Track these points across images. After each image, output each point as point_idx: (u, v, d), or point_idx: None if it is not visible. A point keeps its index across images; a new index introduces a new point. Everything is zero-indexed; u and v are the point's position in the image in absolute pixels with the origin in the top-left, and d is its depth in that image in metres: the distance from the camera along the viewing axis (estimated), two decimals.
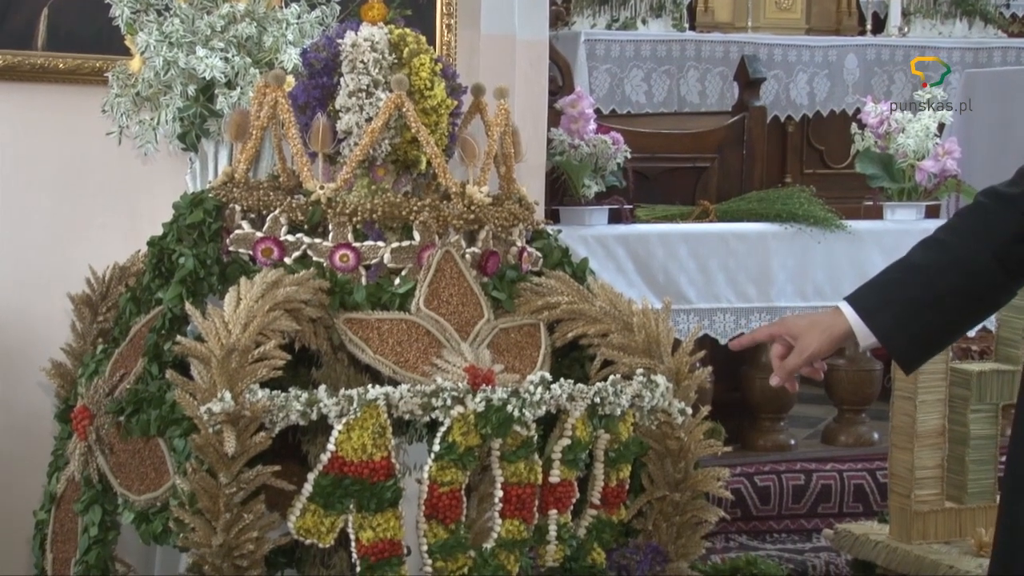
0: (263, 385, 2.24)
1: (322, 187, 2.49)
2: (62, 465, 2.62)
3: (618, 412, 2.49)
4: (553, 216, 4.25)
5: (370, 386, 2.28)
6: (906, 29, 6.77)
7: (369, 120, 2.53)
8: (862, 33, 6.83)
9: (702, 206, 4.71)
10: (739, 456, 4.42)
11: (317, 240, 2.47)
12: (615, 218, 4.41)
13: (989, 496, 3.48)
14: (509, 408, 2.33)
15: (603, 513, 2.52)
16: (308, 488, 2.26)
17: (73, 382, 2.65)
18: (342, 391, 2.26)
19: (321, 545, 2.29)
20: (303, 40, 3.05)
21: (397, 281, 2.47)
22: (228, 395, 2.17)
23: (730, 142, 5.04)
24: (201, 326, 2.26)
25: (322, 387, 2.27)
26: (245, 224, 2.51)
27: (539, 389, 2.37)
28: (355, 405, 2.25)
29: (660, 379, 2.53)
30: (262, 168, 2.85)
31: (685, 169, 4.97)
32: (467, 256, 2.54)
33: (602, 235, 4.29)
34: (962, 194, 4.46)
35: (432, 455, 2.32)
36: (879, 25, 6.86)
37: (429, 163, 2.59)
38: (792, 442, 4.68)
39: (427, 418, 2.32)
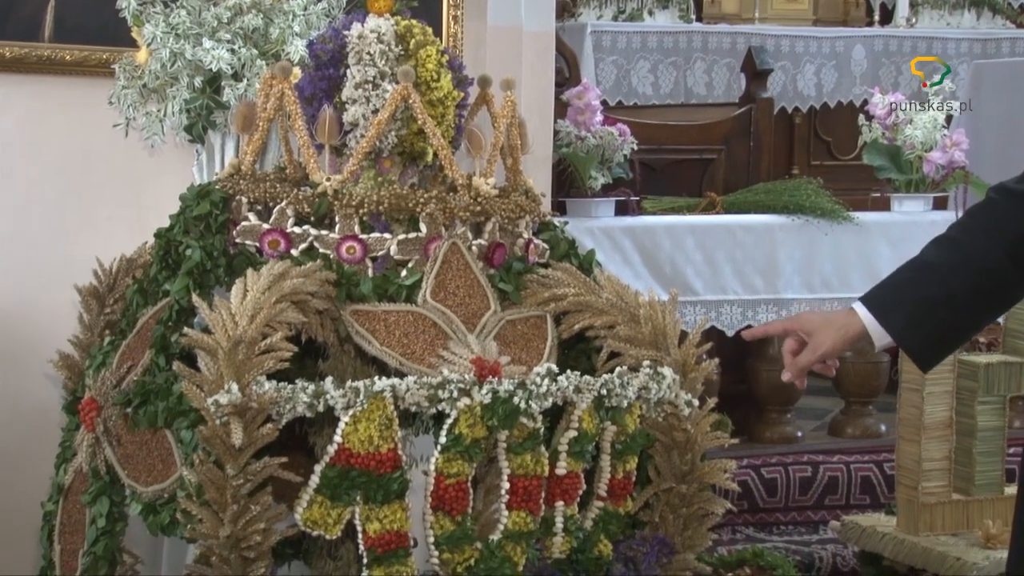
0: (270, 377, 2.24)
1: (328, 179, 2.49)
2: (70, 456, 2.62)
3: (625, 404, 2.49)
4: (559, 208, 4.25)
5: (377, 378, 2.28)
6: (914, 20, 6.75)
7: (375, 112, 2.53)
8: (870, 24, 6.81)
9: (709, 198, 4.70)
10: (746, 448, 4.41)
11: (324, 232, 2.47)
12: (622, 210, 4.41)
13: (996, 488, 3.48)
14: (515, 400, 2.33)
15: (610, 505, 2.52)
16: (315, 480, 2.26)
17: (80, 374, 2.65)
18: (349, 383, 2.27)
19: (328, 537, 2.29)
20: (309, 32, 3.04)
21: (404, 273, 2.47)
22: (235, 387, 2.17)
23: (737, 134, 5.03)
24: (208, 318, 2.26)
25: (329, 379, 2.27)
26: (252, 216, 2.51)
27: (545, 381, 2.37)
28: (362, 397, 2.25)
29: (667, 371, 2.53)
30: (268, 160, 2.85)
31: (692, 161, 4.97)
32: (473, 248, 2.54)
33: (609, 227, 4.29)
34: (970, 185, 4.45)
35: (438, 447, 2.33)
36: (887, 16, 6.85)
37: (435, 155, 2.59)
38: (799, 434, 4.68)
39: (434, 410, 2.32)
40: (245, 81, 3.00)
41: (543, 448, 2.41)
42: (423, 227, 2.49)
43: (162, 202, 2.86)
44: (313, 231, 2.47)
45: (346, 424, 2.25)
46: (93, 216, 3.42)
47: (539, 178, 3.26)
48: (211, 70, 2.98)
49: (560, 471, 2.44)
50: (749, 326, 4.36)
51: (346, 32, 2.59)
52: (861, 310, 2.17)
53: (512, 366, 2.40)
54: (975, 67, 6.01)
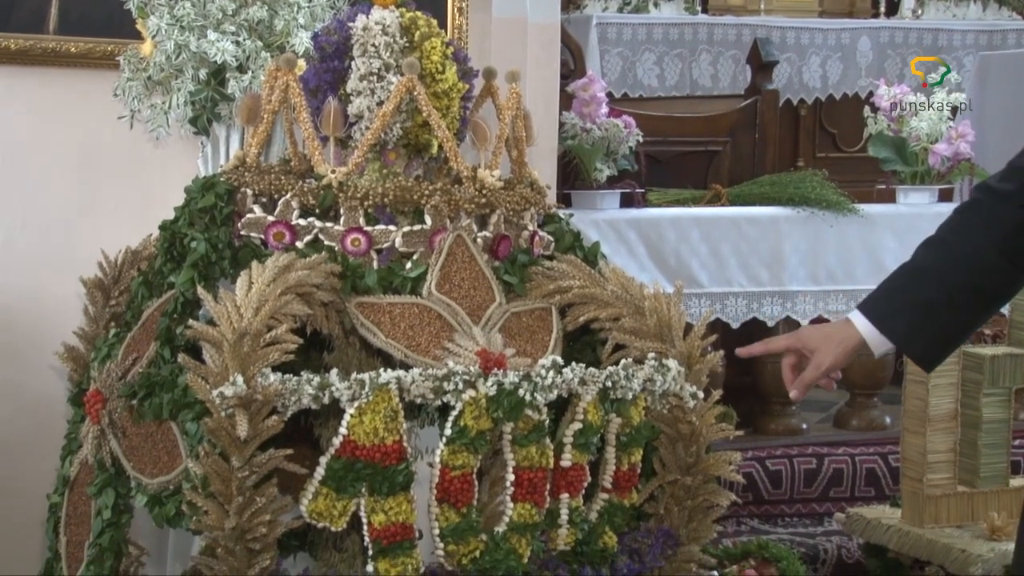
0: (275, 369, 2.24)
1: (333, 171, 2.49)
2: (75, 448, 2.63)
3: (630, 396, 2.49)
4: (565, 200, 4.25)
5: (382, 370, 2.28)
6: (920, 11, 6.73)
7: (380, 104, 2.53)
8: (875, 15, 6.79)
9: (714, 190, 4.70)
10: (751, 440, 4.42)
11: (329, 224, 2.47)
12: (627, 202, 4.41)
13: (1001, 480, 3.48)
14: (521, 392, 2.33)
15: (615, 497, 2.52)
16: (320, 472, 2.27)
17: (86, 366, 2.65)
18: (354, 375, 2.27)
19: (333, 528, 2.30)
20: (314, 23, 3.04)
21: (409, 265, 2.47)
22: (240, 379, 2.17)
23: (742, 126, 5.03)
24: (213, 310, 2.26)
25: (334, 371, 2.27)
26: (257, 208, 2.51)
27: (551, 373, 2.37)
28: (367, 389, 2.26)
29: (672, 363, 2.53)
30: (274, 152, 2.85)
31: (697, 153, 4.96)
32: (479, 240, 2.53)
33: (614, 219, 4.29)
34: (976, 177, 4.44)
35: (444, 439, 2.33)
36: (892, 7, 6.83)
37: (440, 147, 2.59)
38: (804, 426, 4.68)
39: (439, 402, 2.32)
40: (250, 73, 3.00)
41: (548, 440, 2.41)
42: (428, 219, 2.49)
43: (167, 194, 2.86)
44: (318, 223, 2.47)
45: (351, 416, 2.26)
46: (98, 208, 3.42)
47: (544, 170, 3.25)
48: (216, 62, 2.98)
49: (565, 463, 2.44)
50: (754, 318, 4.36)
51: (351, 24, 2.59)
52: (858, 320, 2.20)
53: (517, 358, 2.40)
54: (981, 59, 6.00)
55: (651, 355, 2.53)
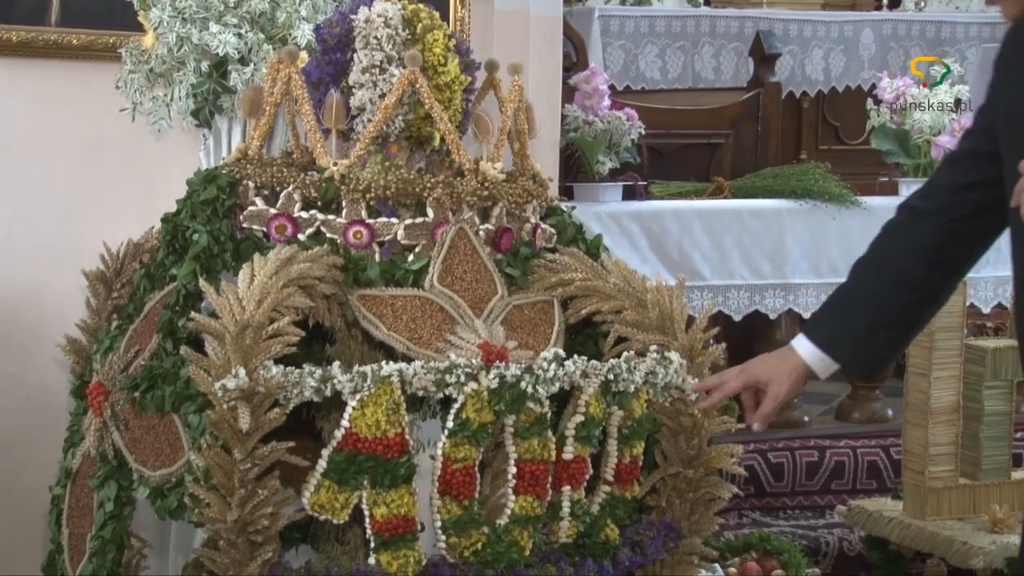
0: (277, 361, 2.24)
1: (335, 164, 2.49)
2: (78, 441, 2.63)
3: (632, 389, 2.49)
4: (567, 193, 4.25)
5: (384, 362, 2.28)
6: (923, 4, 6.72)
7: (382, 96, 2.53)
8: (878, 8, 6.78)
9: (716, 182, 4.70)
10: (752, 433, 4.41)
11: (331, 217, 2.47)
12: (629, 194, 4.41)
13: (1003, 472, 3.48)
14: (523, 385, 2.34)
15: (616, 490, 2.53)
16: (322, 464, 2.27)
17: (88, 358, 2.66)
18: (356, 367, 2.27)
19: (335, 521, 2.30)
20: (316, 16, 3.04)
21: (411, 258, 2.47)
22: (242, 371, 2.17)
23: (745, 118, 5.02)
24: (215, 302, 2.26)
25: (336, 363, 2.27)
26: (259, 201, 2.51)
27: (553, 366, 2.37)
28: (369, 381, 2.26)
29: (674, 356, 2.53)
30: (275, 144, 2.85)
31: (699, 145, 4.96)
32: (481, 233, 2.53)
33: (616, 212, 4.28)
34: None
35: (446, 431, 2.33)
36: (895, 0, 6.82)
37: (443, 139, 2.58)
38: (806, 419, 4.68)
39: (441, 394, 2.32)
40: (252, 65, 3.00)
41: (550, 433, 2.41)
42: (430, 212, 2.49)
43: (169, 187, 2.86)
44: (320, 216, 2.47)
45: (353, 409, 2.26)
46: (100, 201, 3.42)
47: (546, 163, 3.25)
48: (218, 54, 2.98)
49: (567, 456, 2.44)
50: (756, 311, 4.37)
51: (353, 16, 2.58)
52: (804, 346, 2.35)
53: (519, 351, 2.40)
54: (983, 51, 5.99)
55: (653, 348, 2.53)
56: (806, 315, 4.28)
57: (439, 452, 2.32)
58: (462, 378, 2.30)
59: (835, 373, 2.42)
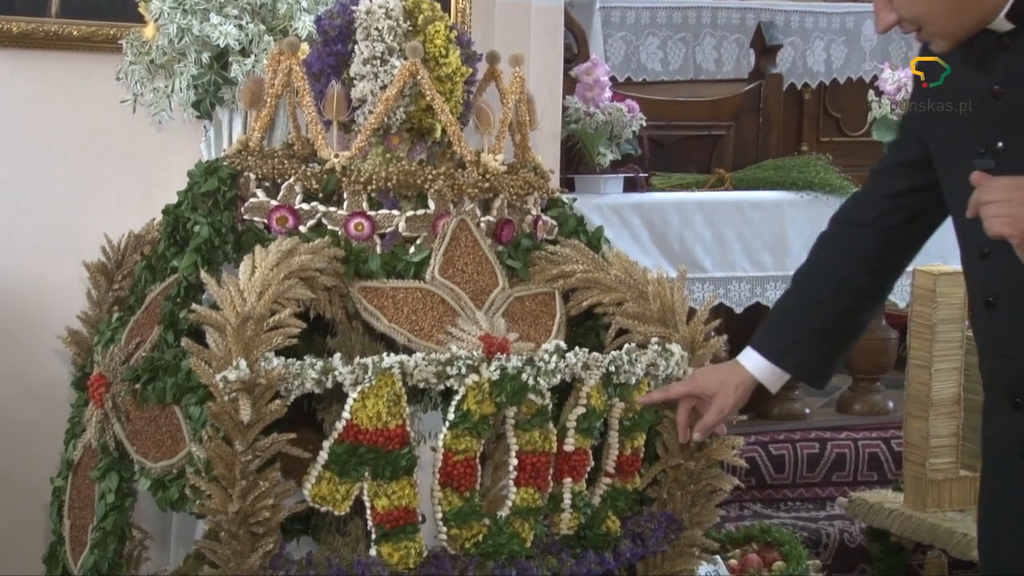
0: (278, 353, 2.24)
1: (336, 155, 2.49)
2: (79, 432, 2.63)
3: (633, 381, 2.49)
4: (568, 184, 4.25)
5: (385, 354, 2.28)
6: None
7: (384, 88, 2.52)
8: None
9: (718, 174, 4.70)
10: (754, 425, 4.42)
11: (332, 208, 2.47)
12: (630, 186, 4.41)
13: None
14: (524, 377, 2.33)
15: (618, 481, 2.53)
16: (323, 456, 2.27)
17: (89, 350, 2.66)
18: (357, 359, 2.27)
19: (336, 512, 2.30)
20: (317, 7, 3.04)
21: (412, 250, 2.47)
22: (243, 363, 2.17)
23: (746, 110, 5.02)
24: (216, 294, 2.26)
25: (337, 355, 2.27)
26: (260, 192, 2.51)
27: (554, 358, 2.37)
28: (370, 373, 2.26)
29: (675, 348, 2.53)
30: (276, 136, 2.85)
31: (701, 137, 4.96)
32: (482, 225, 2.53)
33: (617, 203, 4.29)
34: None
35: (447, 423, 2.33)
36: None
37: (444, 131, 2.58)
38: (807, 411, 4.68)
39: (442, 386, 2.32)
40: (253, 57, 3.00)
41: (551, 425, 2.41)
42: (431, 204, 2.49)
43: (170, 178, 2.86)
44: (321, 208, 2.47)
45: (354, 400, 2.26)
46: (101, 192, 3.42)
47: (547, 154, 3.25)
48: (219, 46, 2.98)
49: (568, 448, 2.44)
50: (758, 303, 4.36)
51: (354, 7, 2.58)
52: (752, 362, 2.43)
53: (520, 343, 2.39)
54: None
55: (654, 340, 2.53)
56: None
57: (440, 444, 2.32)
58: (463, 370, 2.30)
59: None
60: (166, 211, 2.55)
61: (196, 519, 2.44)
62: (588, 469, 2.48)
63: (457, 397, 2.32)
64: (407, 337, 2.34)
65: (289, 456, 2.25)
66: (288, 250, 2.33)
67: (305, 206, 2.47)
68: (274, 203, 2.48)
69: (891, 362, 4.80)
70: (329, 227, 2.46)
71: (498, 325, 2.40)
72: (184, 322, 2.36)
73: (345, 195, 2.47)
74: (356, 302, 2.38)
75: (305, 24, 2.99)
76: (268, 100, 2.59)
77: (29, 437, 3.29)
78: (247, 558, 2.22)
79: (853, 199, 2.46)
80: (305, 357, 2.26)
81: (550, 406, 2.40)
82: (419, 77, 2.49)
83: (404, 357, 2.29)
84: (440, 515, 2.34)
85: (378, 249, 2.47)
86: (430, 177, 2.49)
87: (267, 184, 2.52)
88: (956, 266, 2.66)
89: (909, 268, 2.54)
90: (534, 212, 2.65)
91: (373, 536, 2.31)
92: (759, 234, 4.38)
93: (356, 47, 2.56)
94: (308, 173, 2.48)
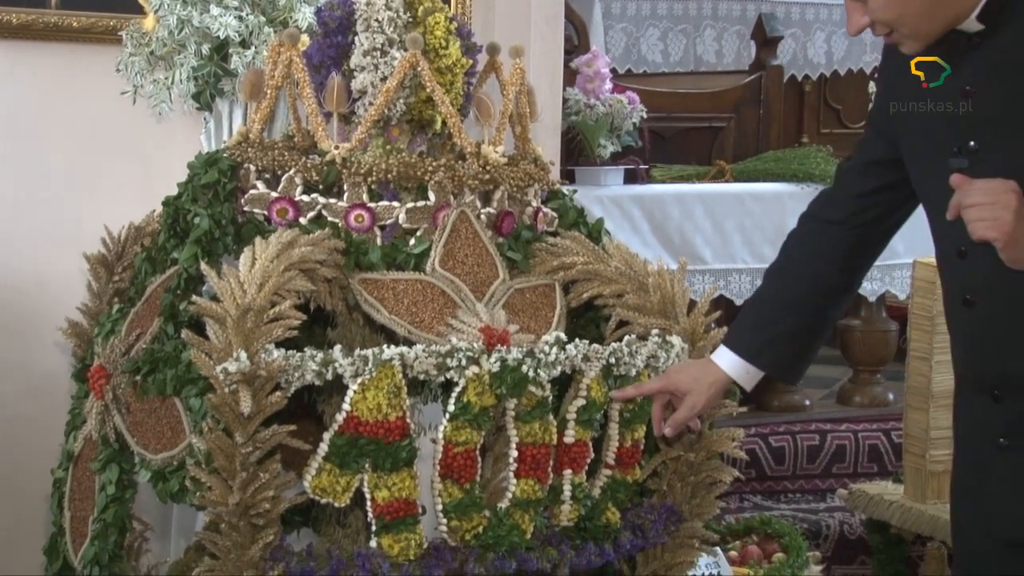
0: (278, 345, 2.24)
1: (337, 147, 2.48)
2: (79, 424, 2.63)
3: (633, 372, 2.49)
4: (568, 176, 4.25)
5: (385, 346, 2.28)
6: None
7: (384, 79, 2.52)
8: None
9: (718, 166, 4.69)
10: (754, 417, 4.43)
11: (332, 200, 2.47)
12: (631, 178, 4.40)
13: None
14: (524, 368, 2.34)
15: (618, 473, 2.53)
16: (323, 448, 2.27)
17: (90, 341, 2.66)
18: (357, 351, 2.27)
19: (337, 504, 2.30)
20: None
21: (412, 241, 2.47)
22: (244, 355, 2.17)
23: (747, 101, 5.02)
24: (216, 286, 2.26)
25: (337, 347, 2.27)
26: (260, 184, 2.50)
27: (554, 349, 2.37)
28: (370, 365, 2.26)
29: (675, 340, 2.53)
30: (277, 128, 2.85)
31: (701, 129, 4.95)
32: (482, 216, 2.53)
33: (617, 195, 4.28)
34: None
35: (447, 415, 2.33)
36: None
37: (444, 123, 2.58)
38: (807, 403, 4.68)
39: (442, 378, 2.32)
40: (253, 48, 3.00)
41: (551, 416, 2.41)
42: (432, 195, 2.49)
43: (170, 170, 2.86)
44: (321, 199, 2.47)
45: (355, 392, 2.26)
46: (101, 184, 3.42)
47: (548, 146, 3.25)
48: (219, 37, 2.98)
49: (568, 439, 2.44)
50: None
51: None
52: (726, 361, 2.44)
53: (521, 335, 2.39)
54: None
55: (655, 332, 2.53)
56: None
57: (440, 435, 2.33)
58: (463, 362, 2.30)
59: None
60: (166, 203, 2.55)
61: (196, 511, 2.44)
62: (588, 461, 2.48)
63: (457, 389, 2.32)
64: (407, 329, 2.34)
65: (289, 448, 2.25)
66: (288, 242, 2.33)
67: (305, 198, 2.47)
68: (274, 195, 2.48)
69: (891, 354, 4.80)
70: (329, 219, 2.46)
71: (498, 317, 2.40)
72: (184, 314, 2.36)
73: (345, 187, 2.47)
74: (356, 294, 2.38)
75: (305, 15, 2.99)
76: (268, 92, 2.58)
77: (30, 429, 3.30)
78: (247, 550, 2.22)
79: (822, 197, 2.46)
80: (305, 349, 2.26)
81: (550, 398, 2.40)
82: (419, 68, 2.49)
83: (404, 349, 2.29)
84: (440, 507, 2.34)
85: (378, 241, 2.46)
86: (430, 169, 2.49)
87: (267, 176, 2.52)
88: None
89: (909, 260, 2.54)
90: (534, 204, 2.65)
91: (373, 528, 2.31)
92: (759, 226, 4.38)
93: (356, 38, 2.56)
94: (308, 165, 2.48)
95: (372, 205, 2.47)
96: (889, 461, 4.40)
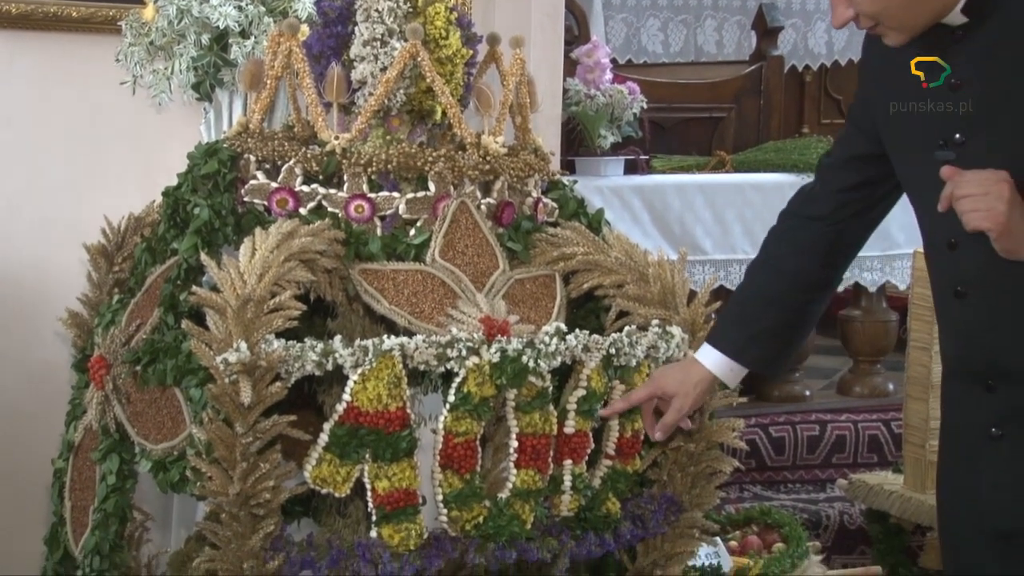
0: (279, 335, 2.24)
1: (337, 137, 2.48)
2: (80, 414, 2.63)
3: (633, 363, 2.49)
4: (569, 167, 4.25)
5: (385, 336, 2.28)
6: None
7: (384, 70, 2.52)
8: None
9: (718, 156, 4.69)
10: (754, 407, 4.43)
11: (332, 191, 2.47)
12: (631, 169, 4.40)
13: None
14: (524, 359, 2.34)
15: (618, 463, 2.53)
16: (324, 438, 2.27)
17: (90, 332, 2.66)
18: (357, 341, 2.27)
19: (337, 494, 2.30)
20: None
21: (412, 232, 2.47)
22: (244, 345, 2.17)
23: (747, 92, 5.01)
24: (216, 276, 2.26)
25: (337, 337, 2.27)
26: (260, 174, 2.50)
27: (554, 340, 2.37)
28: (370, 355, 2.26)
29: (675, 330, 2.53)
30: (277, 118, 2.84)
31: (702, 119, 4.95)
32: (482, 207, 2.53)
33: (618, 186, 4.28)
34: None
35: (447, 405, 2.33)
36: None
37: (444, 113, 2.58)
38: (807, 393, 4.69)
39: (442, 368, 2.32)
40: (253, 39, 2.99)
41: (552, 407, 2.41)
42: (432, 186, 2.48)
43: (170, 160, 2.86)
44: (321, 190, 2.47)
45: (355, 382, 2.26)
46: (101, 174, 3.42)
47: (548, 137, 3.24)
48: (218, 27, 2.97)
49: (568, 430, 2.45)
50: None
51: None
52: (710, 359, 2.43)
53: (521, 325, 2.40)
54: None
55: (655, 322, 2.53)
56: None
57: (440, 426, 2.33)
58: (464, 352, 2.30)
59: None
60: (166, 193, 2.55)
61: (197, 501, 2.44)
62: (588, 451, 2.49)
63: (457, 379, 2.32)
64: (407, 319, 2.34)
65: (290, 438, 2.25)
66: (288, 232, 2.33)
67: (305, 188, 2.47)
68: (274, 185, 2.48)
69: (891, 344, 4.80)
70: (329, 209, 2.46)
71: (498, 307, 2.40)
72: (184, 304, 2.36)
73: (345, 177, 2.47)
74: (356, 284, 2.38)
75: (305, 5, 2.98)
76: (268, 82, 2.58)
77: (30, 419, 3.30)
78: (248, 540, 2.22)
79: (803, 194, 2.45)
80: (305, 339, 2.26)
81: (550, 388, 2.41)
82: (419, 59, 2.49)
83: (404, 339, 2.29)
84: (440, 497, 2.34)
85: (378, 231, 2.46)
86: (430, 159, 2.48)
87: (267, 166, 2.51)
88: None
89: (910, 250, 2.53)
90: (534, 194, 2.65)
91: (374, 518, 2.31)
92: (760, 216, 4.37)
93: (356, 29, 2.55)
94: (308, 155, 2.48)
95: (372, 195, 2.46)
96: (889, 451, 4.41)
